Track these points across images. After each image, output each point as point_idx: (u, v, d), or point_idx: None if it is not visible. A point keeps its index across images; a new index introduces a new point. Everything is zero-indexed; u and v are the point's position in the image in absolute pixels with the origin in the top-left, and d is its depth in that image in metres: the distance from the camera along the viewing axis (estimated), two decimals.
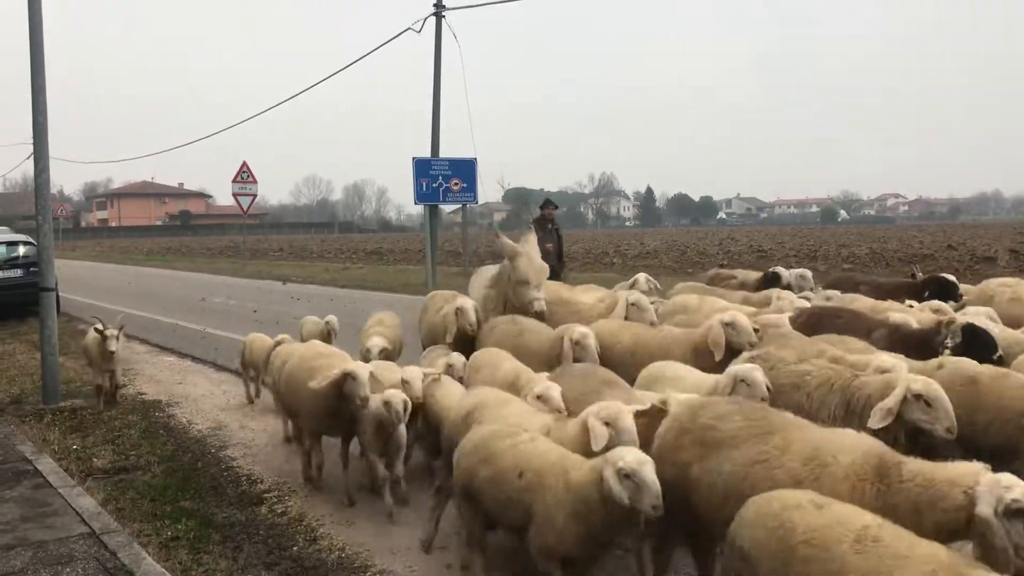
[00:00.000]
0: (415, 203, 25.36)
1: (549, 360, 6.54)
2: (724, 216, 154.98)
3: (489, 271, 9.05)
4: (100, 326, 9.26)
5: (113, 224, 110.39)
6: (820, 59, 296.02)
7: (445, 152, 25.93)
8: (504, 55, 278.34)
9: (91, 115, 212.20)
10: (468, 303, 7.69)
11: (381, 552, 5.36)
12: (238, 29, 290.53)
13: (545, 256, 12.50)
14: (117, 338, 9.16)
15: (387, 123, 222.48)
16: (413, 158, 24.19)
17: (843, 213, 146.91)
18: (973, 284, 9.35)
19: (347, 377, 5.90)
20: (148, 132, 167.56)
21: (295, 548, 5.46)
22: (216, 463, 7.39)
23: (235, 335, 15.14)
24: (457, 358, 6.68)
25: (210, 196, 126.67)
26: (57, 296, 10.42)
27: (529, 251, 8.00)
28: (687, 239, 55.02)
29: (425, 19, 25.60)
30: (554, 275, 12.27)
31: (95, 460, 7.43)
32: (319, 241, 70.41)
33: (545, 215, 13.84)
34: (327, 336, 9.09)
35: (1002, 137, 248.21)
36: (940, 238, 43.85)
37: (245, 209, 33.46)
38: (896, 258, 30.41)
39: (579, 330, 6.49)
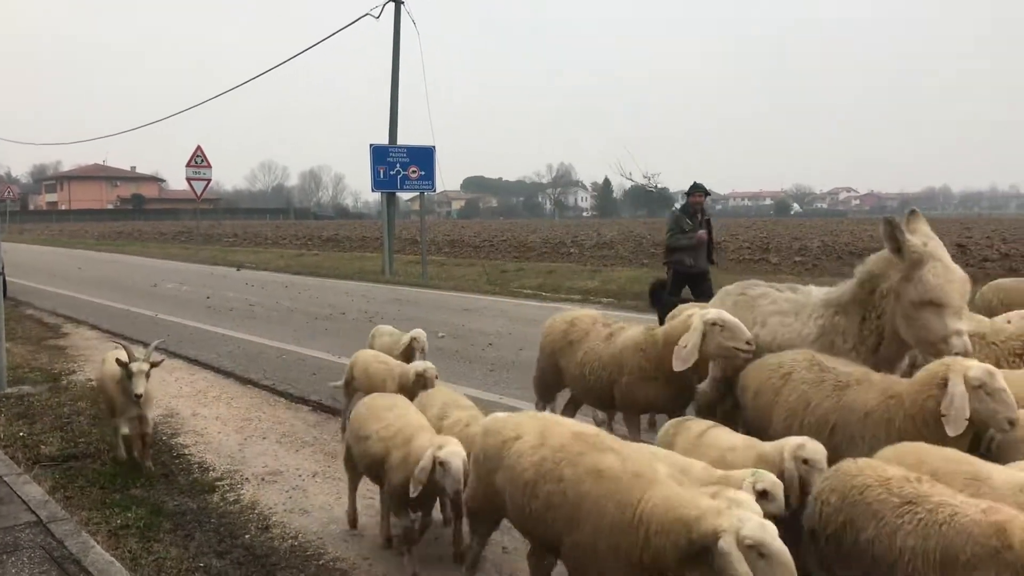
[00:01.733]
0: (372, 190, 25.32)
1: (903, 430, 4.12)
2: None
3: (757, 290, 5.93)
4: (123, 355, 6.42)
5: (63, 207, 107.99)
6: (775, 54, 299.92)
7: (403, 140, 25.87)
8: (464, 44, 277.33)
9: (40, 96, 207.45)
10: (726, 314, 5.36)
11: (334, 540, 5.36)
12: (194, 10, 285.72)
13: (695, 252, 11.16)
14: (147, 375, 6.35)
15: (345, 109, 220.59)
16: (371, 145, 24.09)
17: (796, 206, 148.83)
18: None
19: (715, 554, 2.96)
20: (100, 114, 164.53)
21: (247, 536, 5.42)
22: (167, 451, 7.30)
23: (187, 321, 15.02)
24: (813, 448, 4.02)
25: (163, 180, 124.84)
26: (4, 280, 10.17)
27: (941, 254, 4.97)
28: (643, 230, 55.28)
29: (384, 5, 25.45)
30: (702, 279, 11.04)
31: (43, 447, 7.29)
32: (274, 227, 69.59)
33: (692, 203, 11.55)
34: (409, 356, 6.99)
35: (951, 134, 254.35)
36: None
37: (199, 194, 32.99)
38: (847, 251, 30.93)
39: (979, 366, 4.03)
